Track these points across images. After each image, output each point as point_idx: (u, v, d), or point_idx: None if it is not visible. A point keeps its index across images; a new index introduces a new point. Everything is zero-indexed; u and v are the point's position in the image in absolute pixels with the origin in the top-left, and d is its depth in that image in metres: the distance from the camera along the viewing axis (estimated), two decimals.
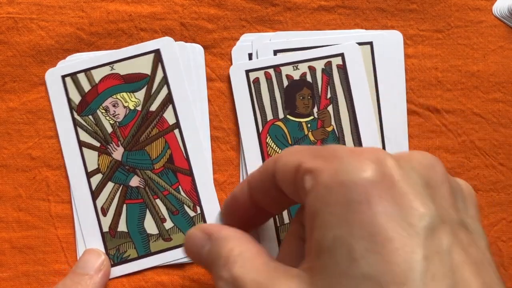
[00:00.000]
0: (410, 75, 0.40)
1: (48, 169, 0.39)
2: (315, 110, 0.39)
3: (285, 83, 0.39)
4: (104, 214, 0.38)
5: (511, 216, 0.39)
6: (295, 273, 0.26)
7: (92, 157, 0.38)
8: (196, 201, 0.38)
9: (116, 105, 0.39)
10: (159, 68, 0.39)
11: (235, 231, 0.30)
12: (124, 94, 0.39)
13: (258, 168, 0.32)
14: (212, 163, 0.39)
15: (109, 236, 0.38)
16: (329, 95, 0.39)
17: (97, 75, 0.39)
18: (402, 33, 0.40)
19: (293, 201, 0.30)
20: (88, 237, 0.38)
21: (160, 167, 0.39)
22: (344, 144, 0.39)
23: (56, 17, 0.39)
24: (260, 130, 0.39)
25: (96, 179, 0.38)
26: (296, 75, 0.39)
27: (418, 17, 0.40)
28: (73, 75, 0.39)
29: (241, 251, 0.28)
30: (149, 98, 0.39)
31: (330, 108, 0.39)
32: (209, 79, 0.39)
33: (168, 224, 0.38)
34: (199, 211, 0.38)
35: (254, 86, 0.39)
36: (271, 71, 0.39)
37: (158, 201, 0.38)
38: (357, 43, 0.39)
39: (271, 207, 0.32)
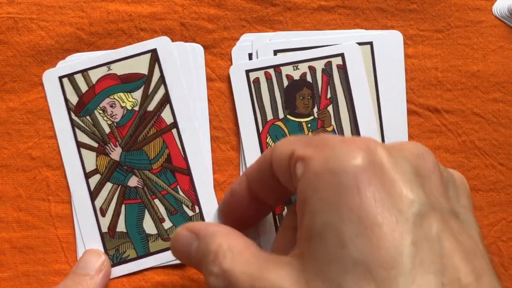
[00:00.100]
0: (410, 75, 0.40)
1: (48, 169, 0.39)
2: (315, 110, 0.39)
3: (285, 83, 0.39)
4: (103, 215, 0.38)
5: (511, 216, 0.39)
6: (286, 260, 0.26)
7: (90, 158, 0.38)
8: (195, 200, 0.38)
9: (113, 105, 0.39)
10: (156, 67, 0.39)
11: (222, 227, 0.31)
12: (122, 94, 0.39)
13: (256, 160, 0.32)
14: (212, 163, 0.39)
15: (108, 237, 0.38)
16: (329, 95, 0.39)
17: (94, 75, 0.39)
18: (402, 33, 0.40)
19: (290, 191, 0.30)
20: (87, 237, 0.38)
21: (158, 167, 0.39)
22: None
23: (56, 17, 0.39)
24: (260, 130, 0.39)
25: (94, 180, 0.38)
26: (296, 75, 0.39)
27: (418, 17, 0.40)
28: (70, 76, 0.39)
29: (230, 245, 0.28)
30: (146, 98, 0.39)
31: (330, 108, 0.39)
32: (209, 79, 0.39)
33: (167, 224, 0.38)
34: (197, 211, 0.38)
35: (254, 86, 0.39)
36: (271, 71, 0.39)
37: (156, 201, 0.38)
38: (357, 43, 0.39)
39: (269, 198, 0.32)
